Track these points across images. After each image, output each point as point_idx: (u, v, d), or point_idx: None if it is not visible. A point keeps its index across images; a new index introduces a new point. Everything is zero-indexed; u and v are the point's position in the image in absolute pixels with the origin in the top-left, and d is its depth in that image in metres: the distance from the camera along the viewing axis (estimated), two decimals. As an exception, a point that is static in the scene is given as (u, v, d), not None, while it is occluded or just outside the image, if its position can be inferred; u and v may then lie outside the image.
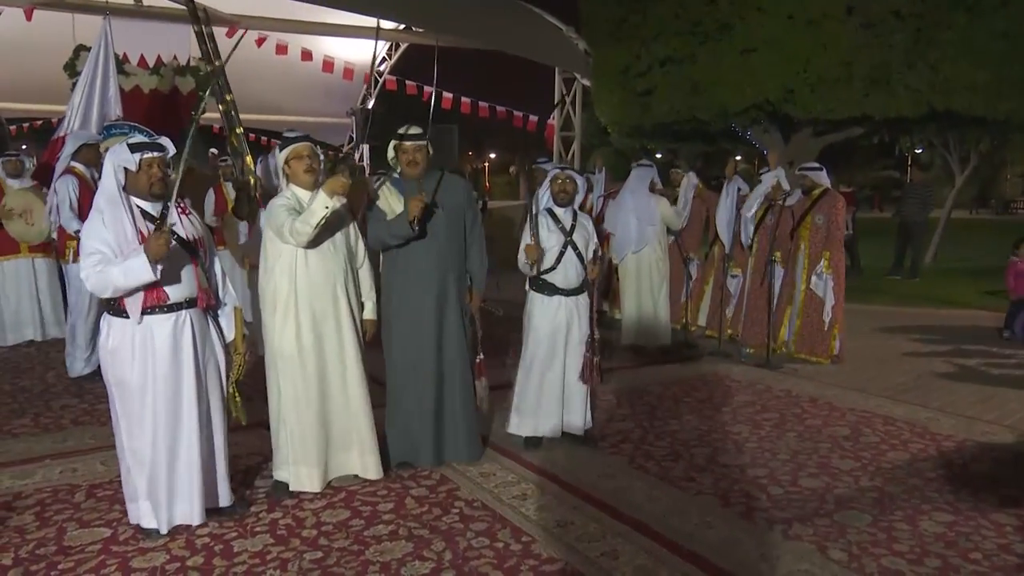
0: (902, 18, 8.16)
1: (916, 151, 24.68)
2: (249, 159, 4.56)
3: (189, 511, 3.09)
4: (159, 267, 2.78)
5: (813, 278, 5.99)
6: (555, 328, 4.11)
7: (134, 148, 2.92)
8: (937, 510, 3.39)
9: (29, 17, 10.72)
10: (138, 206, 2.95)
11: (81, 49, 9.34)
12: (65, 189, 5.40)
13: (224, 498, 3.25)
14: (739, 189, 6.61)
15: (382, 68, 16.99)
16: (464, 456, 3.89)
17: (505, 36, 12.71)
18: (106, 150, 7.69)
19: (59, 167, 5.72)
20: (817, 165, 6.30)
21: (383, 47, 16.38)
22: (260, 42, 12.94)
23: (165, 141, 3.01)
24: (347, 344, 3.52)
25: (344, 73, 14.80)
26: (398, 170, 3.82)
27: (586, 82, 13.06)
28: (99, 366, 5.50)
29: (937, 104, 8.36)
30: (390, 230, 3.64)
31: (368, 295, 3.69)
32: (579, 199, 4.27)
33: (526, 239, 3.99)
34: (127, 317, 2.93)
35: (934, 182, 15.60)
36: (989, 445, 4.24)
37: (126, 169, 2.93)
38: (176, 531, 3.09)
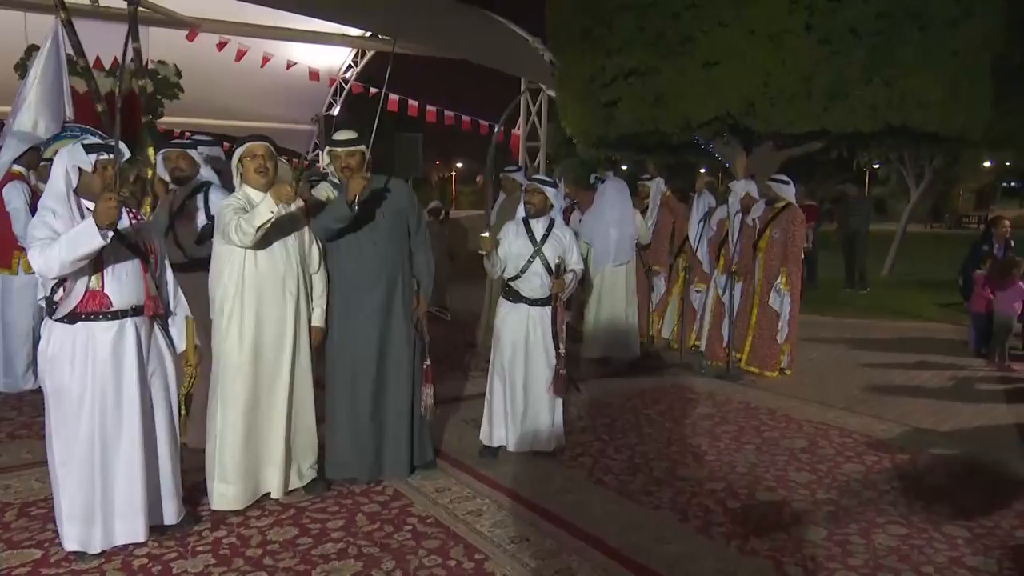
0: (859, 35, 8.31)
1: (874, 166, 25.26)
2: (151, 151, 4.40)
3: (131, 529, 2.94)
4: (109, 233, 2.63)
5: (772, 294, 6.02)
6: (516, 337, 4.08)
7: (89, 149, 2.85)
8: (891, 523, 3.40)
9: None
10: (88, 208, 2.83)
11: (32, 49, 9.09)
12: (18, 196, 5.19)
13: (170, 515, 3.10)
14: (708, 203, 6.63)
15: (348, 75, 16.87)
16: (405, 469, 3.75)
17: (471, 45, 12.70)
18: (55, 152, 7.46)
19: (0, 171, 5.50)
20: (785, 178, 6.29)
21: (349, 54, 16.28)
22: (221, 46, 12.74)
23: (122, 145, 2.91)
24: (295, 351, 3.43)
25: (309, 77, 14.65)
26: (337, 178, 3.73)
27: (552, 92, 13.10)
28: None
29: (893, 120, 8.52)
30: (332, 214, 3.51)
31: (318, 301, 3.60)
32: (555, 211, 4.22)
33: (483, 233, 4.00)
34: (68, 323, 2.81)
35: (870, 197, 15.94)
36: (942, 457, 4.29)
37: (80, 170, 2.85)
38: (112, 552, 2.95)
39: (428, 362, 3.85)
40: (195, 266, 3.80)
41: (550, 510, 3.47)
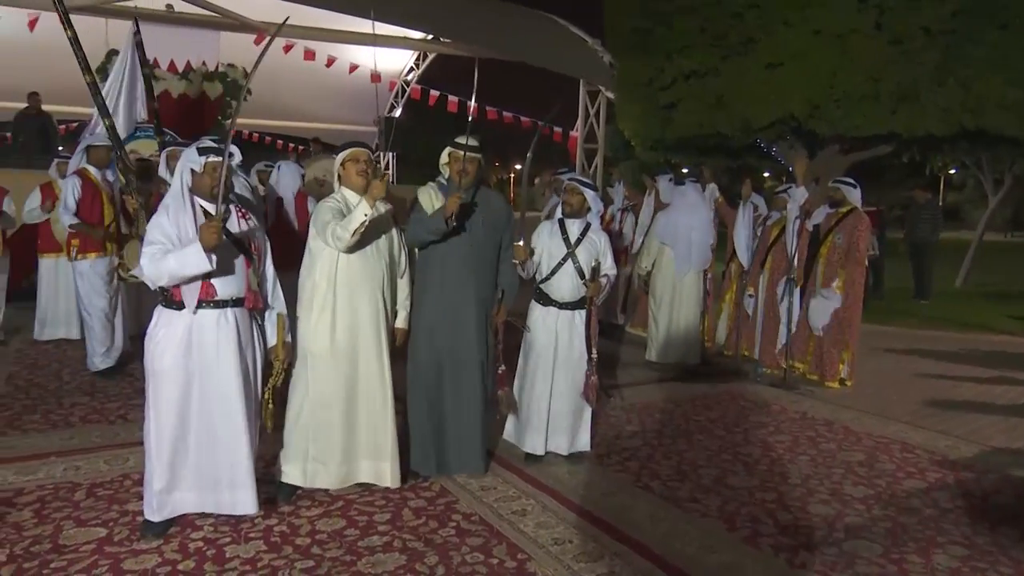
0: (932, 34, 7.99)
1: (950, 171, 24.20)
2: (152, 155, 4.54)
3: (244, 500, 3.11)
4: (213, 257, 2.84)
5: (821, 296, 5.85)
6: (546, 340, 4.03)
7: (201, 151, 3.03)
8: (952, 543, 3.26)
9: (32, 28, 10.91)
10: (201, 206, 3.04)
11: (112, 53, 9.53)
12: (67, 188, 5.57)
13: (249, 501, 3.20)
14: (755, 207, 6.50)
15: (409, 77, 17.12)
16: (468, 468, 3.83)
17: (531, 48, 12.73)
18: (132, 151, 7.82)
19: (70, 167, 5.88)
20: (852, 181, 6.14)
21: (411, 56, 16.51)
22: (287, 49, 13.09)
23: (233, 148, 3.10)
24: (379, 349, 3.51)
25: (371, 79, 14.91)
26: (446, 176, 3.81)
27: (610, 94, 13.02)
28: (117, 362, 5.61)
29: (968, 123, 8.16)
30: (426, 225, 3.63)
31: (403, 304, 3.71)
32: (592, 214, 4.19)
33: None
34: (178, 309, 3.00)
35: (942, 204, 15.24)
36: (1011, 477, 4.09)
37: (192, 170, 3.03)
38: (170, 534, 3.08)
39: (502, 367, 3.90)
40: None
41: (594, 513, 3.46)
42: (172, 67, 10.76)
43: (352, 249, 3.39)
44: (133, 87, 7.46)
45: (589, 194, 4.11)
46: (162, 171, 4.09)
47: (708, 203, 6.58)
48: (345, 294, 3.43)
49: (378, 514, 3.38)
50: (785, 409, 5.29)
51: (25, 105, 10.14)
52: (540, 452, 4.06)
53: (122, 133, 7.24)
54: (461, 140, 3.70)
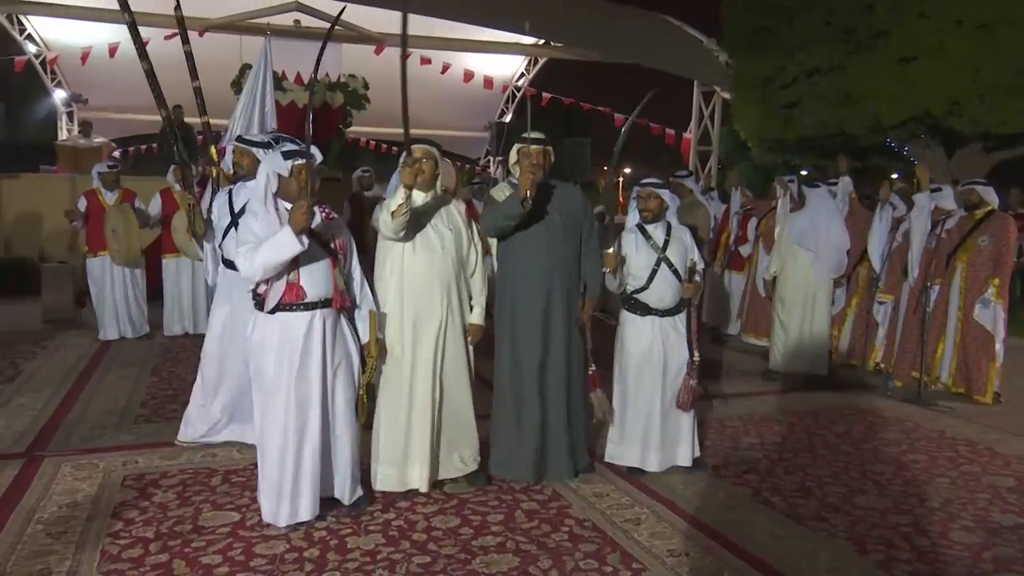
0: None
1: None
2: (213, 149, 4.40)
3: (309, 506, 3.19)
4: (304, 238, 2.93)
5: (978, 307, 5.41)
6: (650, 352, 3.88)
7: (287, 155, 3.13)
8: (1122, 583, 2.92)
9: (201, 34, 11.76)
10: (286, 210, 3.13)
11: (246, 67, 10.17)
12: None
13: (348, 495, 3.34)
14: (894, 209, 6.09)
15: (520, 82, 17.29)
16: (567, 473, 3.77)
17: (643, 49, 12.55)
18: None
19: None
20: (984, 181, 5.70)
21: (522, 62, 16.68)
22: (405, 58, 13.52)
23: (314, 150, 3.20)
24: (448, 347, 3.54)
25: (484, 85, 15.17)
26: (518, 175, 3.81)
27: (726, 95, 12.64)
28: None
29: None
30: (502, 210, 3.59)
31: (478, 299, 3.70)
32: (670, 213, 4.03)
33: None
34: (271, 312, 3.12)
35: None
36: None
37: (279, 174, 3.14)
38: (298, 523, 3.21)
39: (593, 367, 3.84)
40: None
41: (711, 527, 3.34)
42: (298, 79, 11.34)
43: (409, 238, 3.41)
44: (264, 99, 7.94)
45: (665, 194, 3.96)
46: (226, 164, 4.20)
47: (843, 196, 6.24)
48: (414, 292, 3.47)
49: (491, 514, 3.41)
50: (920, 426, 4.93)
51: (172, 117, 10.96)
52: (650, 468, 3.91)
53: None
54: (534, 135, 3.67)
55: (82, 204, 6.85)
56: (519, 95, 17.41)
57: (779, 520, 3.45)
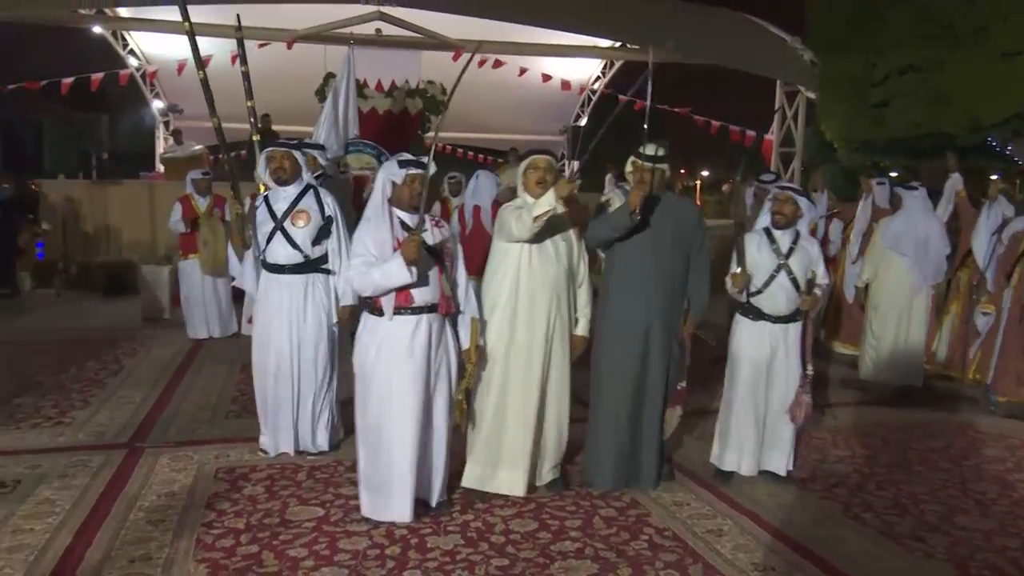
0: None
1: None
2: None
3: (400, 507, 3.25)
4: (414, 269, 3.03)
5: None
6: (758, 356, 3.83)
7: (402, 164, 3.22)
8: None
9: (290, 46, 12.22)
10: (398, 216, 3.25)
11: (330, 76, 10.48)
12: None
13: (435, 497, 3.39)
14: (1001, 213, 5.74)
15: (596, 86, 17.20)
16: (649, 484, 3.73)
17: (723, 49, 12.27)
18: (345, 164, 8.51)
19: None
20: None
21: (598, 65, 16.59)
22: (482, 63, 13.65)
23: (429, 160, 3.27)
24: (555, 356, 3.55)
25: (561, 88, 15.16)
26: (631, 185, 3.77)
27: (811, 94, 12.22)
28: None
29: None
30: (609, 221, 3.59)
31: (583, 311, 3.70)
32: (803, 223, 3.94)
33: (734, 267, 3.81)
34: (379, 315, 3.22)
35: None
36: None
37: (393, 182, 3.24)
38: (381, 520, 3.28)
39: (684, 383, 3.78)
40: (310, 267, 3.99)
41: (799, 541, 3.22)
42: (379, 86, 11.62)
43: (533, 241, 3.43)
44: (347, 107, 8.18)
45: (803, 202, 3.85)
46: (260, 172, 4.18)
47: (949, 197, 5.92)
48: (526, 298, 3.48)
49: (569, 519, 3.39)
50: (1026, 444, 4.63)
51: (259, 126, 11.41)
52: (744, 471, 3.87)
53: (338, 149, 7.97)
54: (648, 150, 3.62)
55: (177, 210, 7.19)
56: (595, 98, 17.32)
57: (872, 538, 3.30)
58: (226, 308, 7.28)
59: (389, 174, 3.25)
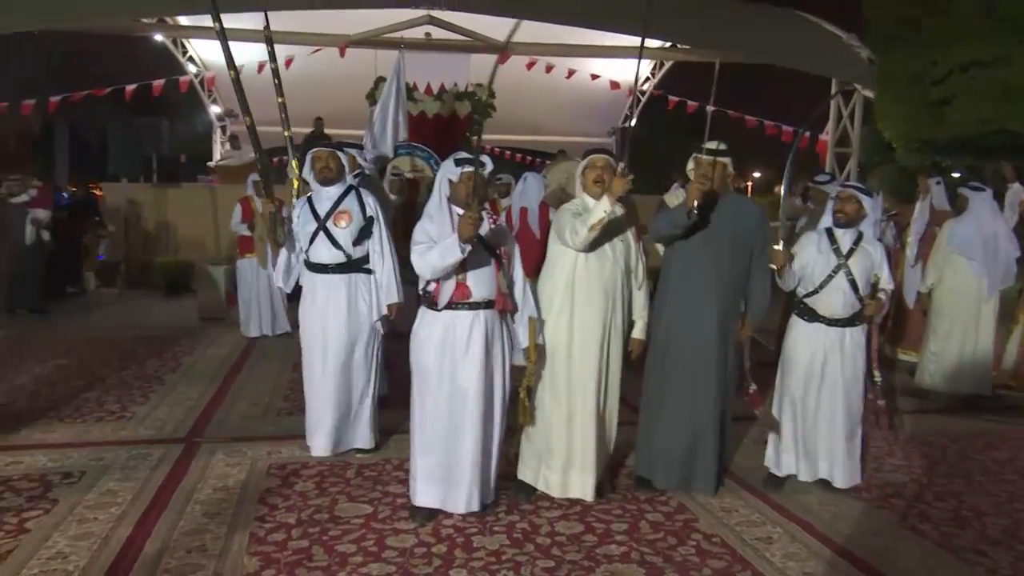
0: None
1: None
2: (295, 163, 4.26)
3: (464, 499, 3.29)
4: (467, 247, 3.06)
5: None
6: (810, 359, 3.74)
7: (458, 163, 3.29)
8: None
9: (342, 53, 12.44)
10: (457, 213, 3.27)
11: (380, 80, 10.64)
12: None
13: (488, 495, 3.42)
14: None
15: (645, 86, 17.05)
16: (706, 488, 3.69)
17: (775, 48, 12.01)
18: (393, 167, 8.60)
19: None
20: None
21: (648, 65, 16.44)
22: (530, 66, 13.68)
23: (485, 159, 3.32)
24: (611, 357, 3.54)
25: (610, 88, 15.07)
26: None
27: (868, 93, 11.88)
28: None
29: None
30: (668, 218, 3.58)
31: (640, 314, 3.69)
32: (868, 223, 3.83)
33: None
34: (437, 309, 3.27)
35: None
36: None
37: (450, 180, 3.30)
38: (433, 514, 3.32)
39: (754, 386, 3.72)
40: (352, 267, 4.03)
41: (853, 552, 3.14)
42: (428, 89, 11.75)
43: (590, 250, 3.43)
44: (397, 110, 8.29)
45: (867, 201, 3.74)
46: (306, 173, 4.16)
47: (1012, 207, 5.69)
48: (582, 299, 3.47)
49: (615, 523, 3.37)
50: (1098, 457, 4.42)
51: (311, 129, 11.66)
52: (802, 477, 3.79)
53: (388, 152, 8.08)
54: (710, 145, 3.57)
55: (237, 212, 7.40)
56: (644, 99, 17.17)
57: (931, 550, 3.19)
58: (279, 307, 7.44)
59: (446, 173, 3.32)
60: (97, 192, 11.99)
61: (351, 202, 4.06)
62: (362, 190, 4.17)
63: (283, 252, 4.05)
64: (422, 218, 3.34)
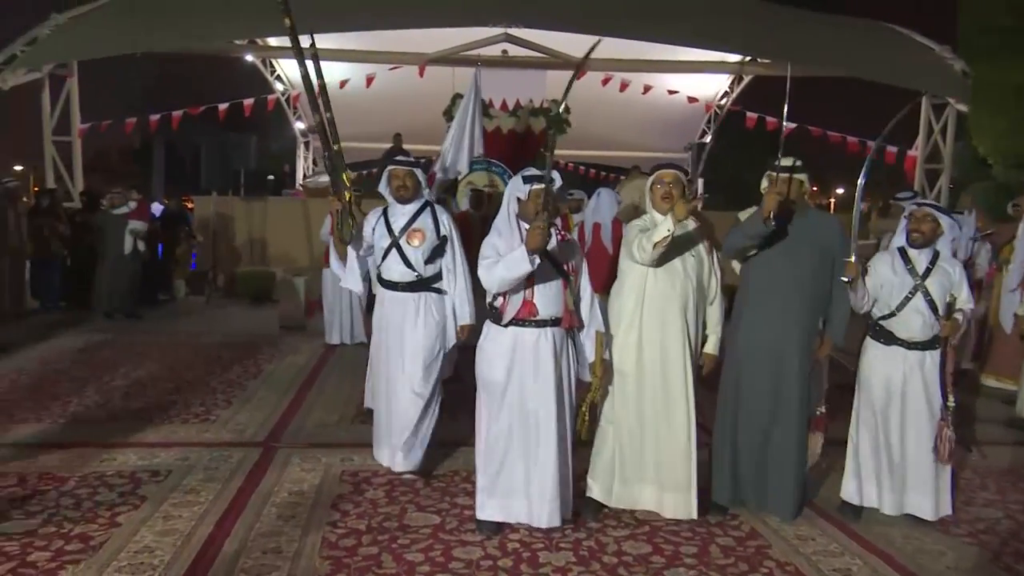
0: None
1: None
2: (346, 176, 4.33)
3: (541, 512, 3.26)
4: (535, 259, 3.06)
5: None
6: (888, 384, 3.57)
7: (526, 180, 3.31)
8: None
9: (421, 73, 12.76)
10: (525, 228, 3.27)
11: (457, 97, 10.85)
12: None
13: (567, 509, 3.37)
14: None
15: (723, 102, 16.77)
16: (784, 513, 3.56)
17: (863, 62, 11.65)
18: (468, 183, 8.73)
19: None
20: None
21: (726, 80, 16.18)
22: (605, 81, 13.67)
23: (555, 175, 3.30)
24: (683, 373, 3.48)
25: (687, 101, 14.91)
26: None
27: (961, 107, 11.34)
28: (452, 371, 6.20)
29: None
30: (744, 229, 3.49)
31: (714, 329, 3.63)
32: (945, 242, 3.66)
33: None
34: (504, 325, 3.29)
35: None
36: None
37: (518, 198, 3.33)
38: (498, 528, 3.32)
39: (823, 409, 3.60)
40: (423, 285, 3.98)
41: (939, 589, 2.98)
42: (504, 105, 11.89)
43: (658, 264, 3.39)
44: (473, 126, 8.42)
45: (945, 220, 3.58)
46: (382, 188, 4.14)
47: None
48: (652, 314, 3.44)
49: (684, 545, 3.30)
50: None
51: (390, 145, 11.98)
52: (886, 510, 3.62)
53: (463, 168, 8.21)
54: (784, 162, 3.49)
55: (327, 224, 7.63)
56: (721, 114, 16.89)
57: (1025, 592, 2.99)
58: (358, 317, 7.65)
59: (514, 190, 3.34)
60: (188, 204, 12.66)
61: (425, 220, 4.02)
62: (438, 208, 4.13)
63: (349, 250, 4.00)
64: (490, 233, 3.36)
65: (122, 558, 3.01)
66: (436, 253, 4.00)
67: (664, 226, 3.23)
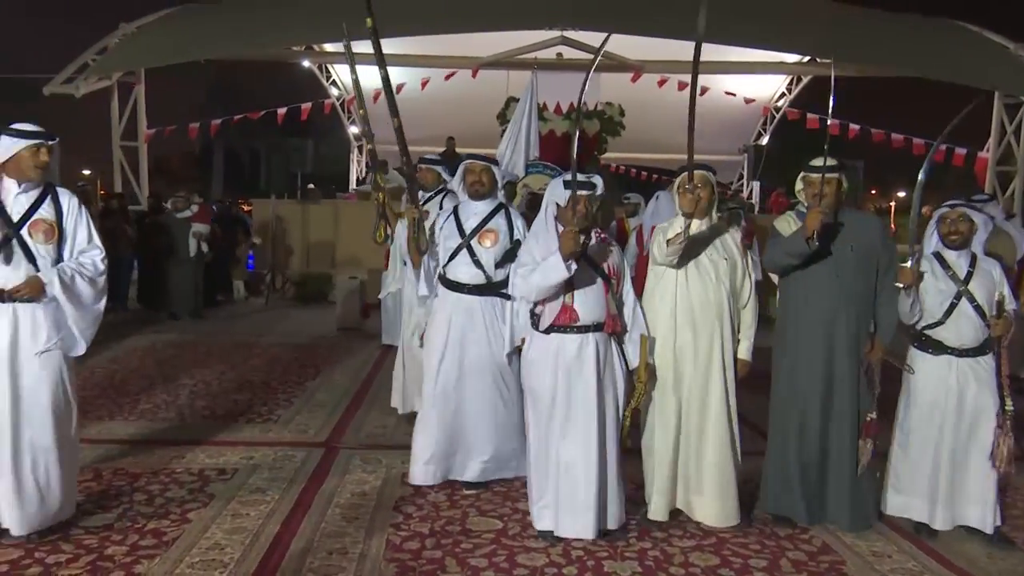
0: None
1: None
2: (380, 176, 4.15)
3: (581, 525, 3.21)
4: (572, 264, 3.02)
5: None
6: (941, 394, 3.41)
7: (567, 185, 3.25)
8: None
9: (474, 75, 12.83)
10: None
11: (512, 100, 10.86)
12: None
13: (613, 520, 3.32)
14: None
15: (780, 103, 16.43)
16: (847, 524, 3.45)
17: (930, 60, 11.26)
18: (524, 185, 8.71)
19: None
20: None
21: (783, 81, 15.85)
22: (661, 83, 13.52)
23: (596, 179, 3.28)
24: (718, 378, 3.41)
25: (745, 103, 14.66)
26: (806, 204, 3.58)
27: (1038, 106, 10.86)
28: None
29: None
30: (784, 246, 3.43)
31: (746, 333, 3.54)
32: (978, 241, 3.50)
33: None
34: (545, 332, 3.25)
35: None
36: None
37: (557, 204, 3.30)
38: (557, 538, 3.28)
39: (874, 415, 3.47)
40: (491, 289, 3.83)
41: (1029, 614, 2.82)
42: (558, 108, 11.86)
43: (678, 266, 3.34)
44: (529, 129, 8.42)
45: (978, 217, 3.45)
46: (454, 184, 4.05)
47: None
48: (685, 319, 3.38)
49: (753, 558, 3.21)
50: None
51: (443, 148, 12.08)
52: (937, 525, 3.46)
53: (519, 171, 8.21)
54: (815, 163, 3.41)
55: (401, 233, 7.71)
56: (778, 116, 16.55)
57: (1126, 620, 2.82)
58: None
59: (554, 195, 3.30)
60: (245, 207, 12.96)
61: (499, 221, 3.87)
62: (512, 210, 4.01)
63: (426, 260, 3.89)
64: (527, 239, 3.32)
65: (194, 554, 3.07)
66: (507, 257, 3.80)
67: (677, 223, 3.19)
